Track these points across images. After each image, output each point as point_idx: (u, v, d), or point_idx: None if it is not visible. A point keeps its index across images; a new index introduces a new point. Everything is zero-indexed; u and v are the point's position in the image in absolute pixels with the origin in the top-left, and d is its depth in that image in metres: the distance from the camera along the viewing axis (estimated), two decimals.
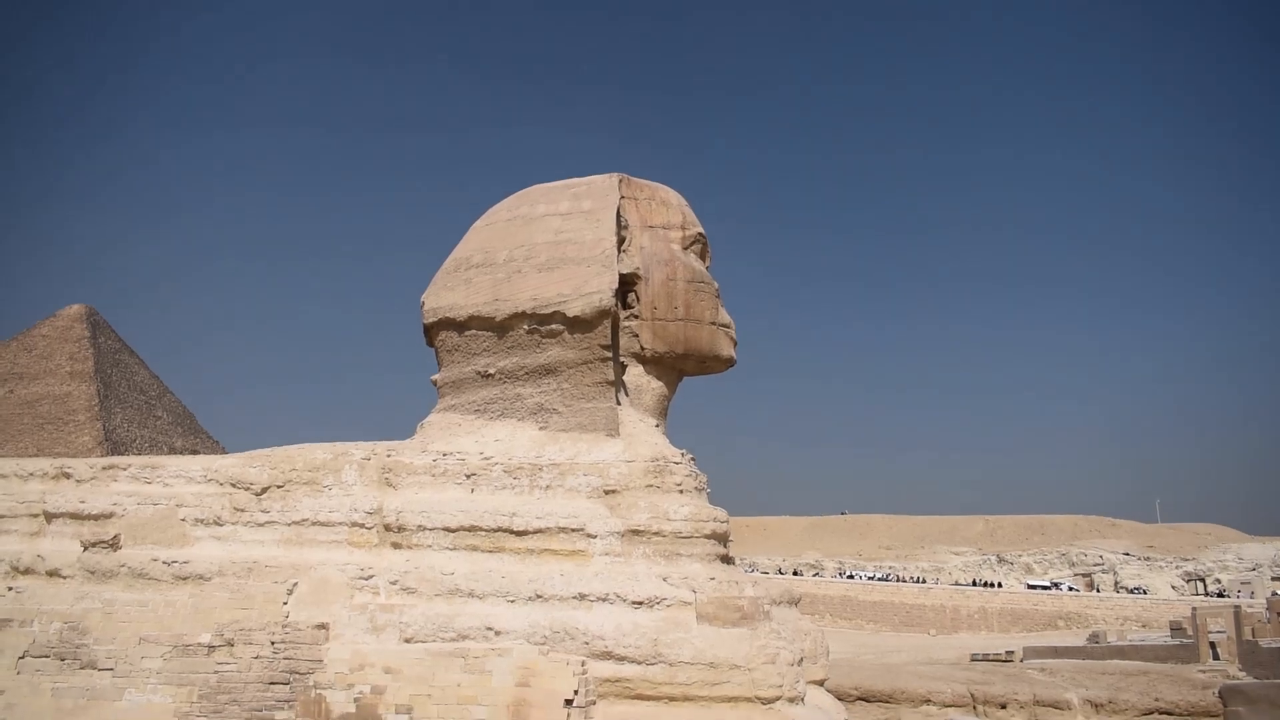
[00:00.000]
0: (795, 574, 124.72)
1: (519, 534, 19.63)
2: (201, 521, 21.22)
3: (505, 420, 21.71)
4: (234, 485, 21.45)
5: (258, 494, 21.28)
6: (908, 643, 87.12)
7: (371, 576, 19.43)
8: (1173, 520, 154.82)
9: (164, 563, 20.15)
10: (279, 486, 21.26)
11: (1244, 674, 53.06)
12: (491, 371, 21.81)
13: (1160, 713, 44.72)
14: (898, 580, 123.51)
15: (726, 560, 20.77)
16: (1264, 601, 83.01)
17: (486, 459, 20.71)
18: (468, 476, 20.61)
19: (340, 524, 20.64)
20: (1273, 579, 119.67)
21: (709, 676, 17.57)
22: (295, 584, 19.33)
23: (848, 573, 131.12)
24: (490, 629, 18.34)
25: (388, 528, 20.31)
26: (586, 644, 17.95)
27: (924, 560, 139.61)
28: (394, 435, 22.62)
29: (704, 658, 17.65)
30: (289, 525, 20.86)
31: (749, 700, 17.53)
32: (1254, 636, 57.67)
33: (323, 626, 18.53)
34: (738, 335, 23.17)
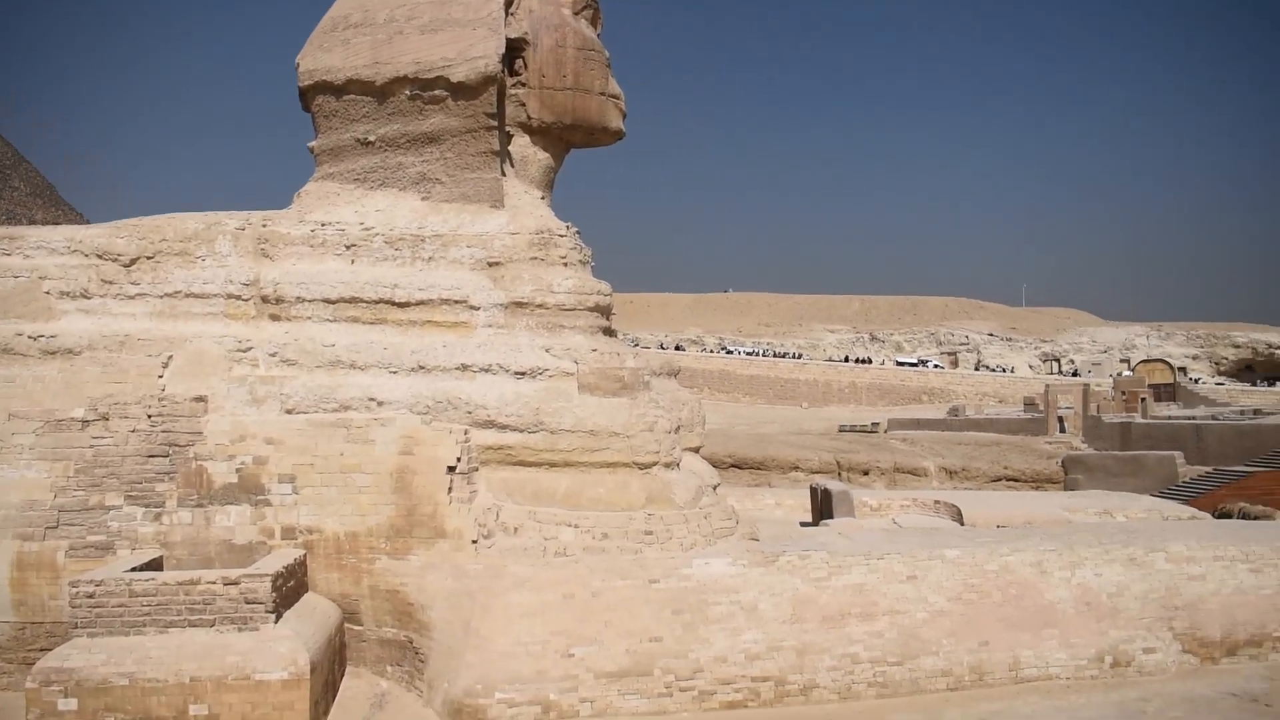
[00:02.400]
0: (677, 349, 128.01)
1: (401, 306, 19.47)
2: (67, 294, 20.37)
3: (386, 190, 21.08)
4: (100, 256, 20.53)
5: (126, 265, 20.45)
6: (781, 415, 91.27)
7: (250, 349, 19.14)
8: (1036, 305, 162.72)
9: (29, 337, 19.42)
10: (149, 258, 20.44)
11: (1086, 446, 57.45)
12: (371, 139, 20.98)
13: (1008, 479, 48.55)
14: (774, 356, 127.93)
15: (609, 333, 21.08)
16: (1110, 380, 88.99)
17: (367, 230, 20.22)
18: (347, 248, 20.14)
19: (215, 296, 20.09)
20: (1120, 361, 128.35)
21: (589, 443, 18.14)
22: (170, 357, 18.93)
23: (727, 348, 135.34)
24: (373, 400, 18.42)
25: (265, 299, 19.88)
26: (469, 413, 18.22)
27: (801, 337, 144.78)
28: (269, 206, 21.79)
29: (584, 425, 18.16)
30: (161, 298, 20.21)
31: (627, 465, 18.23)
32: (1098, 412, 62.15)
33: (201, 399, 18.30)
34: (627, 108, 22.66)
